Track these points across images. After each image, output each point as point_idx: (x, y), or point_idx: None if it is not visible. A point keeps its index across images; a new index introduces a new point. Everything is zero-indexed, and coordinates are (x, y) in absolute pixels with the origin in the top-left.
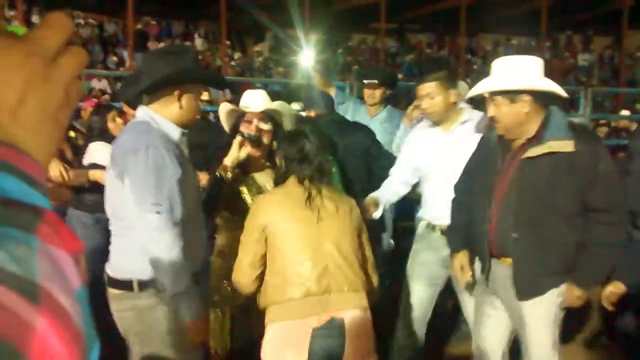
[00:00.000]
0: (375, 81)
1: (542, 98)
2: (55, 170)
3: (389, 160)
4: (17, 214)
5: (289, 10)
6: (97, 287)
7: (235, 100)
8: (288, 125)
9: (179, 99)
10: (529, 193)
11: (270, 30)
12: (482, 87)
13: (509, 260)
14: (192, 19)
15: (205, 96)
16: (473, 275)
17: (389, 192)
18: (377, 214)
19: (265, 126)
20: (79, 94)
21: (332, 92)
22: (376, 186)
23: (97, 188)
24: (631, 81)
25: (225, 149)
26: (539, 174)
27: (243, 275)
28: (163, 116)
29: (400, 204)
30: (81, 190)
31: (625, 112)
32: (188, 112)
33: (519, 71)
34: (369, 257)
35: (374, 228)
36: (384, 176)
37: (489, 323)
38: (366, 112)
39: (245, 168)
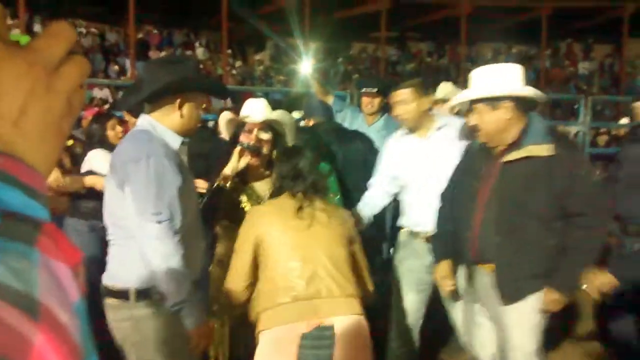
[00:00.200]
0: (374, 90)
1: (523, 104)
2: (51, 176)
3: None
4: (17, 227)
5: (289, 19)
6: (92, 295)
7: (235, 109)
8: (288, 134)
9: (180, 107)
10: (507, 197)
11: (271, 40)
12: (463, 96)
13: (490, 266)
14: (193, 28)
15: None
16: (456, 284)
17: (371, 204)
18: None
19: (265, 136)
20: (81, 104)
21: (330, 100)
22: None
23: (94, 195)
24: (631, 90)
25: (225, 158)
26: (517, 178)
27: (235, 283)
28: (164, 125)
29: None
30: (77, 198)
31: (625, 121)
32: (189, 121)
33: (499, 79)
34: (363, 265)
35: (373, 238)
36: None
37: (481, 333)
38: (364, 120)
39: (244, 177)
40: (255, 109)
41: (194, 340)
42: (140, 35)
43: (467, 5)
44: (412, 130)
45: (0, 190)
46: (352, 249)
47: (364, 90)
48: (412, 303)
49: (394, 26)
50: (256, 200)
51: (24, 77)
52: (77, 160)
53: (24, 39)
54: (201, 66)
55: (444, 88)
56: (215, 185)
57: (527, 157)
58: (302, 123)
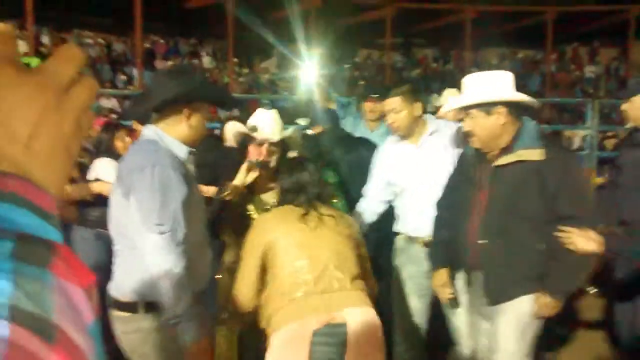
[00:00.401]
0: (377, 96)
1: (516, 109)
2: None
3: None
4: (31, 249)
5: (294, 26)
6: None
7: (241, 118)
8: (294, 145)
9: (188, 118)
10: (497, 200)
11: (277, 47)
12: (456, 102)
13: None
14: (199, 37)
15: None
16: (455, 292)
17: (367, 212)
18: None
19: (275, 150)
20: (90, 125)
21: (333, 107)
22: None
23: (100, 203)
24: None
25: (232, 167)
26: (508, 181)
27: (243, 290)
28: (171, 135)
29: None
30: (85, 206)
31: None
32: (196, 131)
33: (491, 85)
34: (368, 267)
35: (380, 243)
36: None
37: (484, 339)
38: (365, 126)
39: (251, 189)
40: (268, 125)
41: (193, 357)
42: (146, 45)
43: (472, 11)
44: (405, 137)
45: (13, 212)
46: (358, 252)
47: (367, 96)
48: (415, 308)
49: (399, 32)
50: (263, 210)
51: (35, 99)
52: (84, 169)
53: (35, 62)
54: (207, 75)
55: (449, 94)
56: (222, 196)
57: (518, 162)
58: (309, 131)
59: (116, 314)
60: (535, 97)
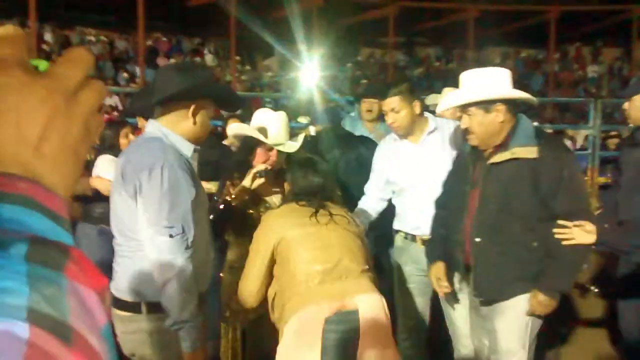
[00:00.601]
0: (374, 96)
1: (514, 106)
2: None
3: None
4: (45, 252)
5: (296, 26)
6: None
7: (244, 116)
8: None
9: (194, 114)
10: (491, 198)
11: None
12: (455, 100)
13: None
14: (201, 35)
15: None
16: (453, 286)
17: (367, 211)
18: None
19: (282, 155)
20: (98, 128)
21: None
22: None
23: (103, 199)
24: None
25: (234, 167)
26: (502, 179)
27: (249, 285)
28: (175, 131)
29: None
30: (89, 202)
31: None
32: (201, 129)
33: (489, 82)
34: (372, 266)
35: (380, 242)
36: None
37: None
38: (363, 127)
39: (254, 191)
40: (278, 129)
41: None
42: (149, 43)
43: (475, 10)
44: (405, 135)
45: (25, 215)
46: (365, 250)
47: (364, 97)
48: (416, 306)
49: (402, 31)
50: (265, 210)
51: (44, 103)
52: (88, 165)
53: (43, 65)
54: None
55: (448, 93)
56: (227, 200)
57: (512, 159)
58: (312, 128)
59: (117, 313)
60: (538, 96)
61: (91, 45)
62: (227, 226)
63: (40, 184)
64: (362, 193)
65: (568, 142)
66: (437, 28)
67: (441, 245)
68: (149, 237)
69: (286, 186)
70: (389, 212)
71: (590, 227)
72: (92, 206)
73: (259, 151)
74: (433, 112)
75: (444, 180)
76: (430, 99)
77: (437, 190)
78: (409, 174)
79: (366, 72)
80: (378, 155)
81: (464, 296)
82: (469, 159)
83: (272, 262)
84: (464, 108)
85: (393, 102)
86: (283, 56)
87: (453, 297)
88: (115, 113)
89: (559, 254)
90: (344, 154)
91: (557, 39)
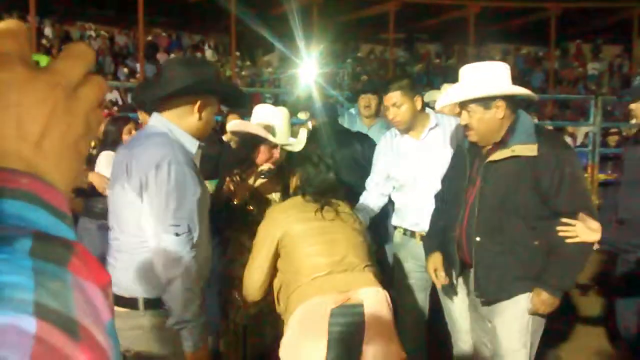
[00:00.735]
0: (371, 93)
1: (513, 103)
2: None
3: None
4: (49, 248)
5: (296, 21)
6: None
7: (244, 111)
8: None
9: (200, 110)
10: (491, 196)
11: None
12: (454, 96)
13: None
14: (202, 31)
15: None
16: (451, 278)
17: (368, 206)
18: None
19: (283, 152)
20: (99, 124)
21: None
22: None
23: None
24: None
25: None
26: (502, 177)
27: (254, 278)
28: (180, 127)
29: None
30: (90, 197)
31: (635, 121)
32: (206, 125)
33: (488, 77)
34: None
35: (379, 240)
36: None
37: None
38: (361, 123)
39: (255, 191)
40: (283, 127)
41: None
42: (149, 38)
43: (476, 6)
44: (406, 130)
45: (28, 210)
46: (369, 247)
47: (361, 92)
48: (415, 302)
49: (402, 27)
50: (266, 207)
51: (45, 99)
52: (91, 160)
53: (44, 60)
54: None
55: (447, 89)
56: (227, 197)
57: (511, 157)
58: (309, 124)
59: (114, 309)
60: (538, 93)
61: (91, 40)
62: (227, 223)
63: (42, 180)
64: (356, 189)
65: (568, 139)
66: (437, 24)
67: (439, 236)
68: (154, 235)
69: (293, 181)
70: (384, 207)
71: (594, 224)
72: (93, 201)
73: (263, 149)
74: (432, 109)
75: (443, 175)
76: (428, 96)
77: (438, 187)
78: (410, 169)
79: (366, 68)
80: (379, 150)
81: (463, 292)
82: (467, 154)
83: (276, 256)
84: (464, 104)
85: (394, 96)
86: (283, 52)
87: (452, 293)
88: (115, 108)
89: (562, 252)
90: (339, 150)
91: (557, 36)
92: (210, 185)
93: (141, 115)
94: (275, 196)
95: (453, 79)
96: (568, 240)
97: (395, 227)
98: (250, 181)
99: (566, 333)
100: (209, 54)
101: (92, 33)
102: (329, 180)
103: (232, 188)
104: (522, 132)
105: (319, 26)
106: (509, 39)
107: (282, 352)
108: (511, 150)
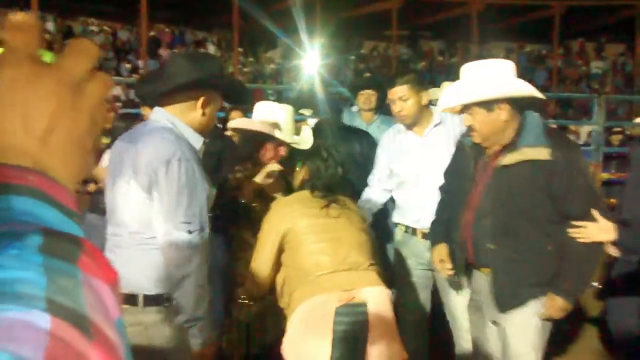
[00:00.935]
0: (370, 89)
1: (518, 103)
2: None
3: None
4: (59, 244)
5: (299, 17)
6: None
7: (245, 108)
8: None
9: (203, 106)
10: (504, 202)
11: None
12: (455, 98)
13: (487, 270)
14: (204, 27)
15: None
16: (455, 270)
17: (370, 202)
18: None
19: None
20: (104, 120)
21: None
22: None
23: None
24: None
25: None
26: (514, 182)
27: (259, 272)
28: (184, 122)
29: None
30: (97, 194)
31: (639, 120)
32: (209, 120)
33: (491, 77)
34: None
35: (380, 238)
36: None
37: (487, 334)
38: (361, 120)
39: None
40: (288, 124)
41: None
42: (152, 34)
43: (479, 4)
44: (410, 126)
45: (38, 208)
46: (372, 245)
47: (361, 88)
48: (417, 300)
49: (405, 24)
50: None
51: (51, 95)
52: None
53: (48, 56)
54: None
55: (447, 87)
56: (235, 198)
57: (524, 161)
58: (309, 121)
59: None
60: (541, 92)
61: (94, 36)
62: (233, 220)
63: (48, 177)
64: (364, 185)
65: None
66: (440, 22)
67: (444, 228)
68: (166, 233)
69: (300, 175)
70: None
71: (607, 224)
72: (100, 197)
73: (269, 146)
74: (434, 106)
75: (445, 169)
76: (429, 93)
77: (440, 184)
78: (413, 166)
79: (369, 65)
80: (382, 146)
81: (465, 291)
82: (470, 153)
83: (281, 250)
84: (466, 106)
85: (401, 90)
86: (286, 48)
87: (453, 291)
88: (119, 104)
89: (574, 256)
90: (345, 147)
91: (561, 35)
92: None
93: (144, 110)
94: (281, 195)
95: (456, 76)
96: (581, 240)
97: (396, 225)
98: (258, 180)
99: (565, 333)
100: (211, 49)
101: (95, 28)
102: (338, 174)
103: (238, 185)
104: (532, 134)
105: (322, 22)
106: (512, 37)
107: (285, 349)
108: (522, 153)
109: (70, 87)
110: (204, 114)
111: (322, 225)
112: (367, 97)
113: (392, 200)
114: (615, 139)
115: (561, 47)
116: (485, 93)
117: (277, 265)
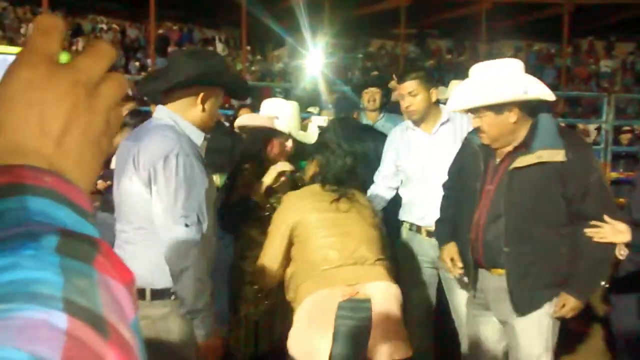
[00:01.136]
0: (374, 87)
1: (528, 105)
2: None
3: None
4: (75, 245)
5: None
6: None
7: (254, 106)
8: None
9: (203, 102)
10: (518, 205)
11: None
12: (464, 101)
13: (500, 271)
14: (213, 25)
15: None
16: (465, 268)
17: (377, 199)
18: None
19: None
20: (119, 121)
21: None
22: None
23: None
24: None
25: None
26: (529, 185)
27: (268, 265)
28: (184, 119)
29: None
30: (109, 192)
31: None
32: (209, 117)
33: (500, 78)
34: (387, 255)
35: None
36: None
37: (488, 332)
38: (366, 118)
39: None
40: (292, 120)
41: (203, 353)
42: (160, 32)
43: (487, 2)
44: (418, 123)
45: (54, 208)
46: (382, 240)
47: (366, 86)
48: (422, 298)
49: (413, 23)
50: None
51: (66, 96)
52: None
53: (65, 57)
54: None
55: (456, 86)
56: (248, 199)
57: (538, 163)
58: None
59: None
60: (550, 90)
61: (102, 34)
62: (242, 218)
63: (63, 178)
64: (366, 186)
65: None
66: (449, 20)
67: (451, 226)
68: (164, 226)
69: (310, 169)
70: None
71: (622, 226)
72: (111, 196)
73: (276, 142)
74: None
75: (449, 168)
76: (438, 91)
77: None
78: (419, 163)
79: (377, 64)
80: (389, 143)
81: (471, 291)
82: (479, 153)
83: (290, 243)
84: (474, 108)
85: (411, 85)
86: (294, 46)
87: (460, 290)
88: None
89: (587, 256)
90: (354, 144)
91: (570, 33)
92: (220, 179)
93: (153, 108)
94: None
95: (464, 75)
96: (596, 240)
97: (402, 222)
98: (269, 179)
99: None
100: (219, 48)
101: (104, 26)
102: (347, 165)
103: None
104: (547, 135)
105: (330, 20)
106: (521, 35)
107: (291, 343)
108: (537, 156)
109: (86, 88)
110: (204, 109)
111: (332, 219)
112: (371, 95)
113: (400, 199)
114: (624, 138)
115: (570, 45)
116: (494, 96)
117: (287, 259)
